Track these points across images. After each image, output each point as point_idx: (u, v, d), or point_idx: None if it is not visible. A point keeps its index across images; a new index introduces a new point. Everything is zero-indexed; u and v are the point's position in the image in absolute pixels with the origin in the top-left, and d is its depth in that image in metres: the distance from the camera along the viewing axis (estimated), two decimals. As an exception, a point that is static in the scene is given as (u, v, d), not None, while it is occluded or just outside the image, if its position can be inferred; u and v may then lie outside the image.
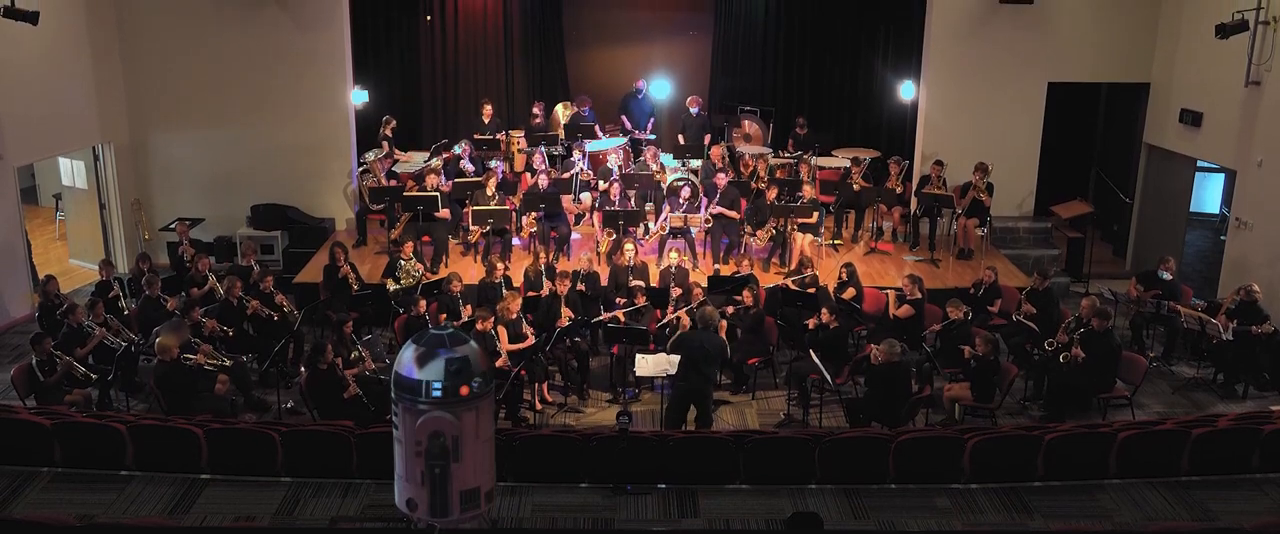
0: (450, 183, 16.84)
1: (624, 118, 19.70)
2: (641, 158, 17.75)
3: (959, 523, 9.28)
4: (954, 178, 17.05)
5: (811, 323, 13.22)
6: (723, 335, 12.39)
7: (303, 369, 12.14)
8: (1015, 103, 17.61)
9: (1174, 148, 17.11)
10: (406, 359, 3.25)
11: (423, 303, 13.27)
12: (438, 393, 3.18)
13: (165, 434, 10.13)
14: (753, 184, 17.12)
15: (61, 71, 16.10)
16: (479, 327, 12.21)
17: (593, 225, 17.02)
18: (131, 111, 17.43)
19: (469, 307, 13.66)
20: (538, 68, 21.23)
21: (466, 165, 17.65)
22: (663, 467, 9.93)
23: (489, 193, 16.23)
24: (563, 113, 19.66)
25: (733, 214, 16.17)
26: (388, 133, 18.36)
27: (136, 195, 17.68)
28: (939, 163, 16.92)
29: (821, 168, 18.19)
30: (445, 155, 17.84)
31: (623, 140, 18.77)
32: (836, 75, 20.78)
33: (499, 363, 12.10)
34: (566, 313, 13.26)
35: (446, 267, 15.74)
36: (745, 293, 13.54)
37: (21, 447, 10.10)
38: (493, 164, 17.55)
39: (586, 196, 17.25)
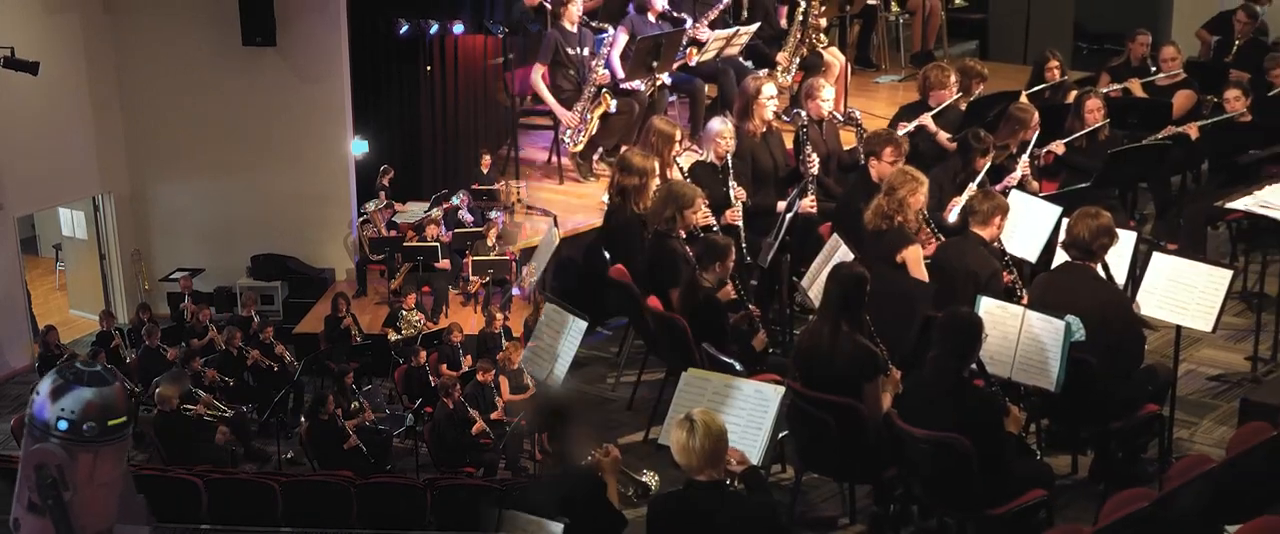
0: (451, 233, 16.84)
1: None
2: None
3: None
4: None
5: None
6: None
7: (303, 420, 12.10)
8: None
9: None
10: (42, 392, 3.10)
11: (423, 353, 13.26)
12: (64, 426, 3.01)
13: (164, 484, 10.09)
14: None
15: (62, 121, 16.14)
16: (480, 377, 12.20)
17: (593, 275, 17.00)
18: (132, 162, 17.41)
19: (469, 356, 13.65)
20: (538, 118, 21.17)
21: (465, 216, 17.63)
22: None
23: (489, 243, 16.23)
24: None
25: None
26: (385, 183, 18.32)
27: (137, 245, 17.66)
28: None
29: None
30: (445, 206, 17.83)
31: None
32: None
33: (495, 415, 12.09)
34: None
35: (447, 317, 15.71)
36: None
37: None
38: (493, 214, 17.54)
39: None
